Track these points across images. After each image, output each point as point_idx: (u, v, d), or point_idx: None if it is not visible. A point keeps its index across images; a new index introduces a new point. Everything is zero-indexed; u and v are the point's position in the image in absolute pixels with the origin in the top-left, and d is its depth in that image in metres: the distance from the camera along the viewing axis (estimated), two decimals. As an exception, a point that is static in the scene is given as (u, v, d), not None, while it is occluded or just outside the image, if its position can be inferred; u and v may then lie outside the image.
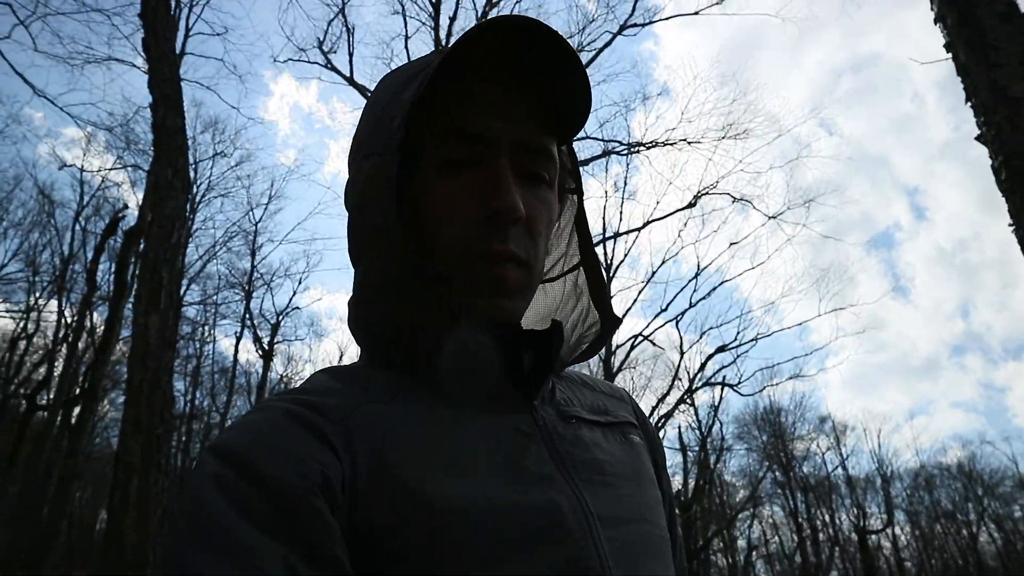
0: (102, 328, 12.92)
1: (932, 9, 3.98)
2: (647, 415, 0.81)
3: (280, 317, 25.04)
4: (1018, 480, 32.76)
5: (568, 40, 0.61)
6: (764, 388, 21.75)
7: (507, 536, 0.52)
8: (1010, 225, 3.38)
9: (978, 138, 3.62)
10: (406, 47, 13.19)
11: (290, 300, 33.76)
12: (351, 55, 12.90)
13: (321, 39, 12.86)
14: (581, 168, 0.78)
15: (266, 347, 24.53)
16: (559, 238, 0.77)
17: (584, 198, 0.76)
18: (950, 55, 3.88)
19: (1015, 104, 3.38)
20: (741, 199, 14.51)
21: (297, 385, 0.63)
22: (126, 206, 16.88)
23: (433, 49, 12.54)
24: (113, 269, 13.45)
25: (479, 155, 0.62)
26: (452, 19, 12.44)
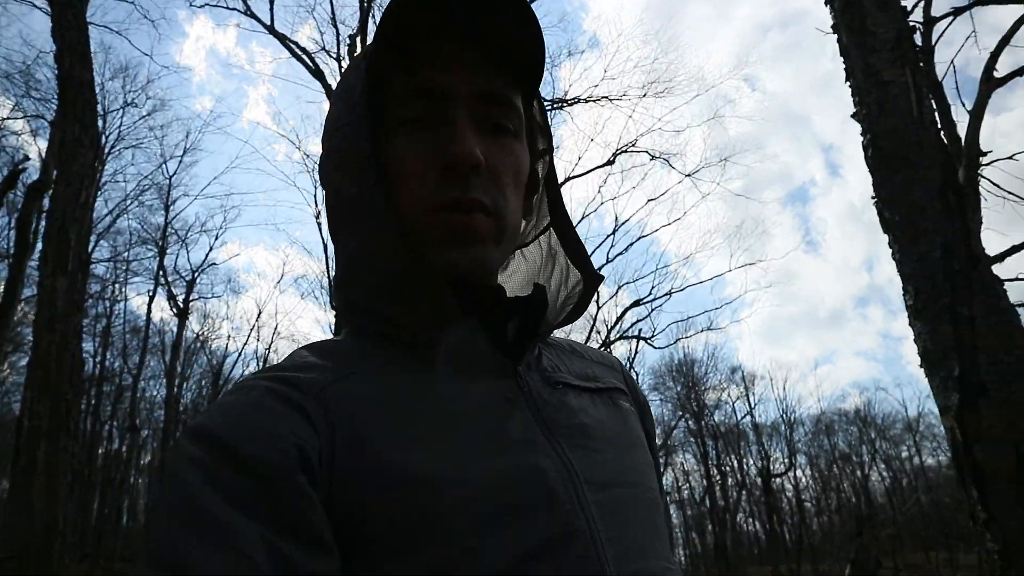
0: (1, 288, 12.25)
1: (820, -8, 4.28)
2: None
3: (195, 274, 24.33)
4: (906, 423, 35.63)
5: None
6: (678, 340, 22.93)
7: (492, 504, 0.51)
8: (873, 198, 3.76)
9: (853, 115, 3.97)
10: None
11: (206, 256, 32.76)
12: (272, 2, 12.51)
13: None
14: None
15: (181, 305, 23.87)
16: (539, 202, 0.75)
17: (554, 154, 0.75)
18: (836, 35, 4.20)
19: (884, 87, 3.72)
20: (659, 156, 14.94)
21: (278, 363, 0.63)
22: (27, 157, 15.87)
23: (358, 5, 12.34)
24: (13, 225, 12.68)
25: (436, 111, 0.61)
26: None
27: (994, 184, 6.31)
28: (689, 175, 14.73)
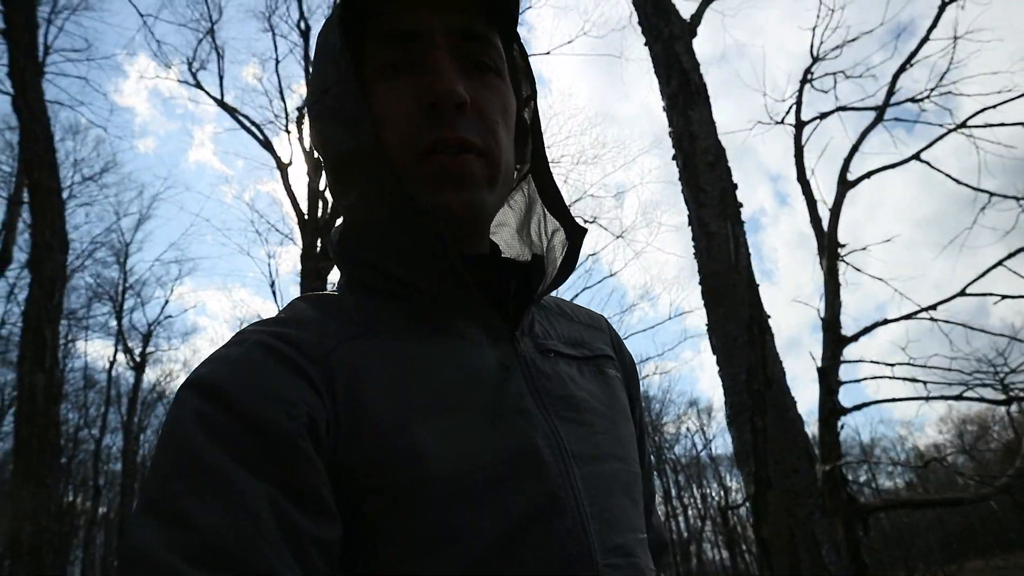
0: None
1: (672, 148, 5.46)
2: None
3: (151, 327, 24.91)
4: (860, 448, 37.29)
5: None
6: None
7: (483, 476, 0.53)
8: (708, 327, 4.88)
9: (694, 255, 5.12)
10: (276, 71, 13.79)
11: (162, 310, 33.15)
12: (221, 77, 13.26)
13: (191, 59, 12.98)
14: None
15: (137, 359, 24.39)
16: (525, 150, 0.73)
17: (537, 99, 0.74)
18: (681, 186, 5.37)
19: (711, 237, 4.87)
20: (592, 220, 16.17)
21: (276, 316, 0.62)
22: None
23: (302, 67, 13.11)
24: None
25: (414, 53, 0.61)
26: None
27: (856, 269, 7.55)
28: (619, 236, 16.01)
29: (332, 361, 0.55)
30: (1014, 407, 6.28)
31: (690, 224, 5.14)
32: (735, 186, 5.07)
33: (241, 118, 13.29)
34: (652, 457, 0.83)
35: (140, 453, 26.49)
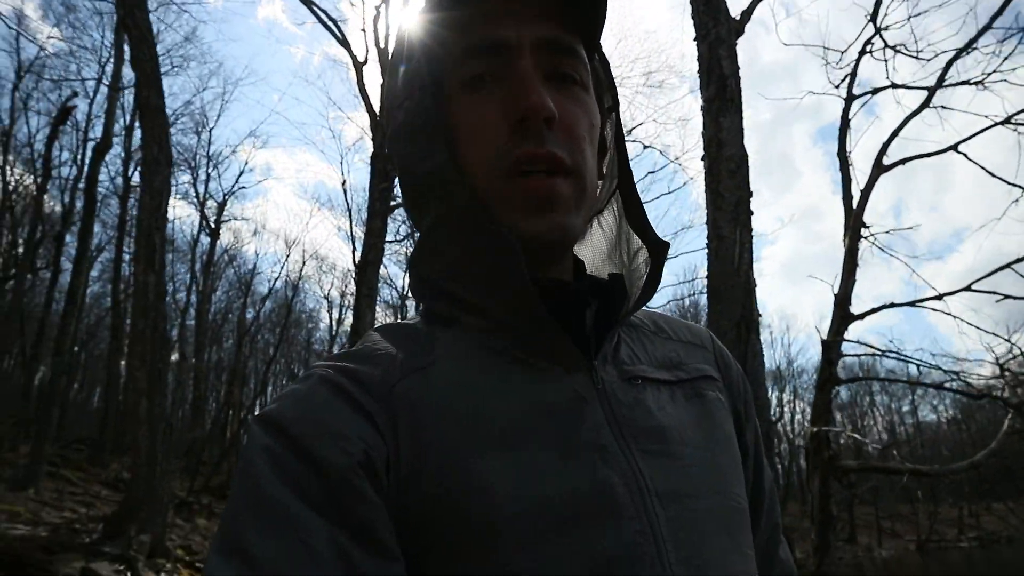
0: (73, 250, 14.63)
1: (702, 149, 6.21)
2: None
3: (226, 197, 26.80)
4: (908, 379, 37.82)
5: None
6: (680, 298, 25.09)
7: (554, 516, 0.51)
8: (707, 319, 5.79)
9: (706, 253, 5.98)
10: None
11: (237, 179, 35.12)
12: None
13: None
14: None
15: (212, 225, 26.45)
16: (611, 165, 0.73)
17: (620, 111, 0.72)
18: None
19: (721, 240, 5.73)
20: (650, 146, 16.50)
21: (349, 348, 0.63)
22: (75, 93, 18.08)
23: None
24: (84, 186, 14.88)
25: (499, 65, 0.60)
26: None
27: (880, 248, 8.24)
28: (676, 160, 16.49)
29: (395, 395, 0.55)
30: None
31: (707, 223, 5.99)
32: (751, 194, 5.86)
33: (318, 10, 13.48)
34: (773, 483, 0.78)
35: (211, 311, 29.09)
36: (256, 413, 0.56)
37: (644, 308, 0.74)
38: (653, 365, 0.67)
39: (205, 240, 26.98)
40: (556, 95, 0.61)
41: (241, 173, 31.21)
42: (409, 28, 0.66)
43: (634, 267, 0.71)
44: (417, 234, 0.68)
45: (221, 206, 26.80)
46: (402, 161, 0.66)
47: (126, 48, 15.26)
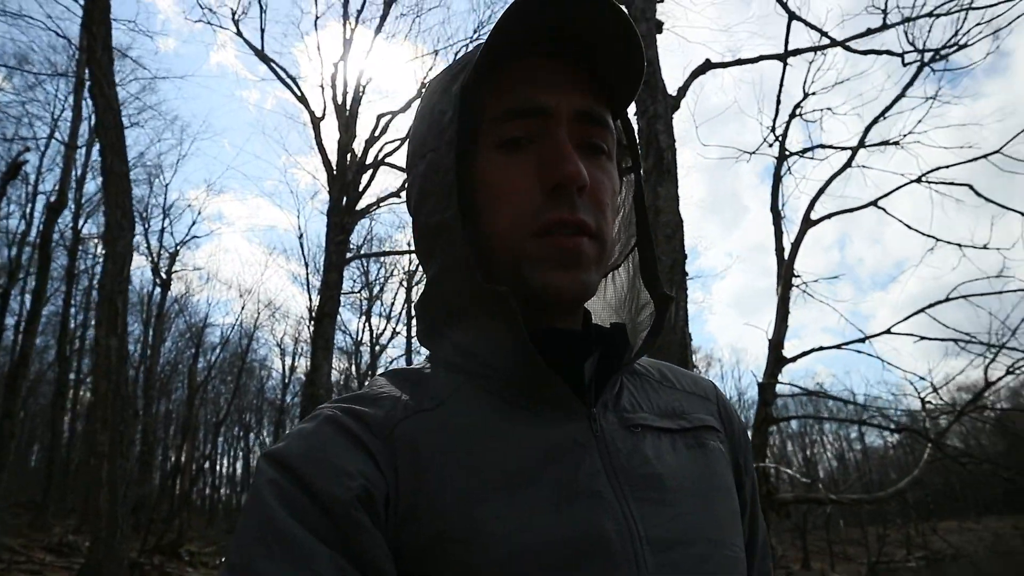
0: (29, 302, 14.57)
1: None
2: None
3: (178, 247, 26.74)
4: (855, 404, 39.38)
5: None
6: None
7: (547, 562, 0.52)
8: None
9: (648, 308, 6.59)
10: (315, 26, 14.09)
11: (189, 230, 35.01)
12: (263, 30, 13.45)
13: (234, 9, 13.29)
14: None
15: (164, 276, 26.32)
16: (626, 223, 0.76)
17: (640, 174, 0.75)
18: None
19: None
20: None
21: (355, 391, 0.65)
22: (27, 148, 18.01)
23: (341, 25, 13.13)
24: (38, 243, 14.89)
25: (536, 130, 0.63)
26: None
27: (810, 295, 8.97)
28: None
29: (397, 435, 0.58)
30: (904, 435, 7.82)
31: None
32: (685, 257, 6.49)
33: (277, 68, 13.71)
34: (766, 535, 0.79)
35: (160, 363, 28.73)
36: (264, 451, 0.59)
37: (652, 359, 0.79)
38: (655, 413, 0.68)
39: (156, 291, 26.82)
40: (586, 164, 0.63)
41: (193, 223, 30.80)
42: (441, 81, 0.69)
43: (640, 319, 0.73)
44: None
45: (173, 256, 26.71)
46: (418, 210, 0.69)
47: (84, 106, 15.51)
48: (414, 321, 0.74)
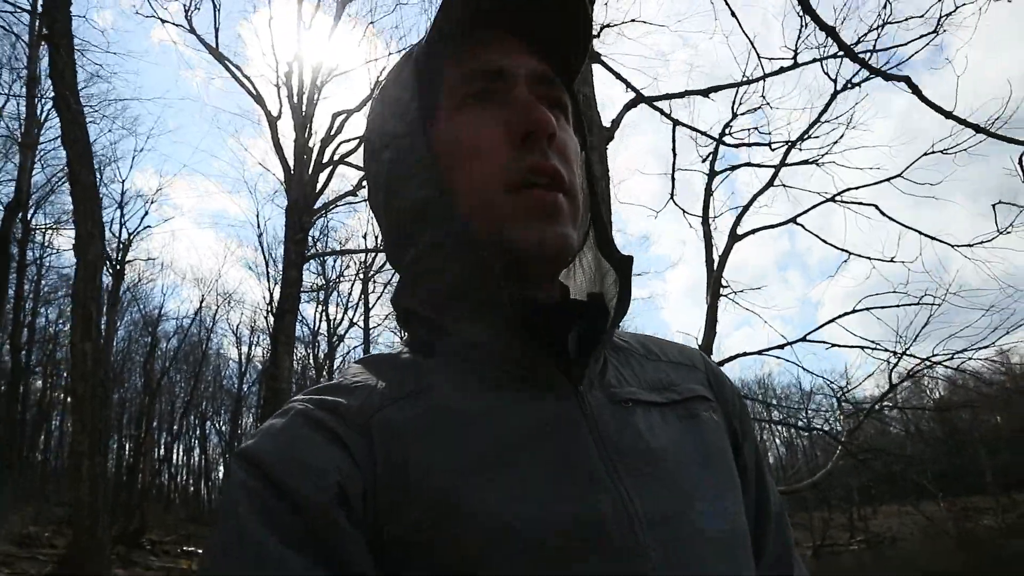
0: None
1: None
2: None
3: (131, 237, 26.83)
4: (800, 393, 41.17)
5: None
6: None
7: (541, 546, 0.51)
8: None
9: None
10: (269, 25, 14.00)
11: (141, 220, 35.00)
12: (217, 29, 14.09)
13: (187, 5, 12.99)
14: None
15: (117, 267, 26.43)
16: (585, 201, 0.73)
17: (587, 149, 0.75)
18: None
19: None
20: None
21: (331, 380, 0.64)
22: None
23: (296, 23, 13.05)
24: None
25: (499, 90, 0.64)
26: None
27: (736, 304, 9.97)
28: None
29: (373, 425, 0.56)
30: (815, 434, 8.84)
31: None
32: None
33: (232, 67, 13.60)
34: (781, 502, 0.76)
35: (112, 352, 28.66)
36: (236, 448, 0.56)
37: (635, 333, 0.79)
38: (643, 387, 0.68)
39: (107, 280, 26.92)
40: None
41: (146, 214, 30.77)
42: (394, 71, 0.71)
43: (605, 288, 0.72)
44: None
45: (126, 246, 26.80)
46: (386, 203, 0.68)
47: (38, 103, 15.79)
48: (383, 310, 0.94)
